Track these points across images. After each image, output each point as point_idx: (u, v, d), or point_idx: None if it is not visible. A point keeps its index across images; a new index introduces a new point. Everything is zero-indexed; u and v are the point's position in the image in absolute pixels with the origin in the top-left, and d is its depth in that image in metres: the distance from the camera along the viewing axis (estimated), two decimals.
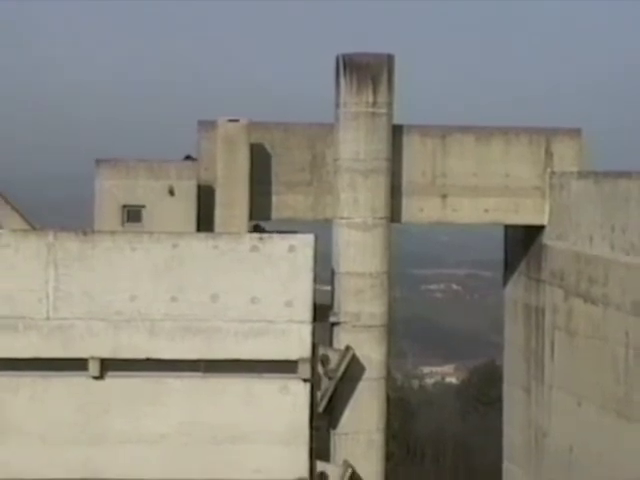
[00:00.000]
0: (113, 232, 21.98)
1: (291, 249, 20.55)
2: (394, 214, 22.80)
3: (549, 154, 22.77)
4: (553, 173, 22.63)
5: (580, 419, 20.75)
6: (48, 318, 20.25)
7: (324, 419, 21.91)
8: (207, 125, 22.76)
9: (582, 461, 20.81)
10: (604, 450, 19.54)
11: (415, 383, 73.04)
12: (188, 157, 24.78)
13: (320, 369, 21.28)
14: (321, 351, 21.35)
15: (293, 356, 20.41)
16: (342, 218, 22.36)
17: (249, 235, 21.39)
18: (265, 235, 21.33)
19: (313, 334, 20.63)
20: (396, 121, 22.43)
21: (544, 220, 22.77)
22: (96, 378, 20.39)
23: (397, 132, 22.51)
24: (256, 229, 23.02)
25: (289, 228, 22.44)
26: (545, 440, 22.71)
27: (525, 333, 23.91)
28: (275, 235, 21.78)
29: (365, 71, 21.77)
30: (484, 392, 44.90)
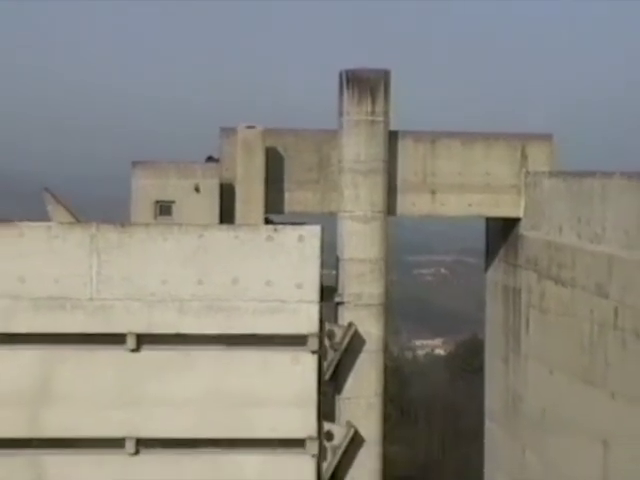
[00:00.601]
0: (147, 224, 22.05)
1: (301, 239, 20.65)
2: (390, 208, 22.75)
3: (524, 156, 22.87)
4: (528, 173, 22.73)
5: (551, 385, 20.81)
6: (91, 299, 20.45)
7: (330, 385, 21.97)
8: (228, 131, 22.76)
9: (553, 421, 20.89)
10: (572, 411, 19.60)
11: (409, 354, 72.95)
12: (210, 157, 24.62)
13: (326, 342, 21.41)
14: (327, 327, 21.47)
15: (303, 331, 20.54)
16: (345, 212, 22.38)
17: (265, 226, 21.50)
18: (279, 226, 21.42)
19: (320, 312, 20.72)
20: (392, 128, 22.43)
21: (520, 213, 22.86)
22: (133, 351, 20.56)
23: (393, 137, 22.51)
24: (266, 222, 23.08)
25: (299, 220, 22.53)
26: (521, 404, 22.81)
27: (504, 311, 24.00)
28: (287, 226, 21.92)
29: (365, 84, 21.83)
30: (468, 362, 44.85)
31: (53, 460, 20.59)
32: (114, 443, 20.61)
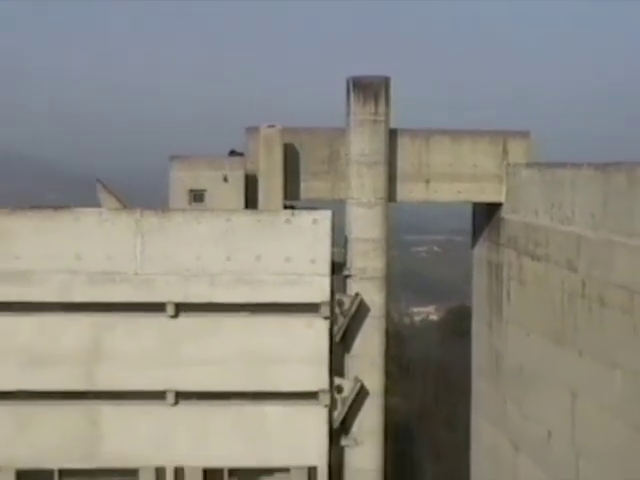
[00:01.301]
0: (183, 210, 22.11)
1: (314, 222, 20.81)
2: (391, 195, 22.63)
3: (505, 150, 22.84)
4: (508, 164, 22.69)
5: (528, 346, 20.86)
6: (137, 273, 20.63)
7: (340, 346, 21.97)
8: (252, 130, 22.71)
9: (529, 376, 20.91)
10: (545, 367, 19.64)
11: (407, 320, 72.78)
12: (233, 151, 24.42)
13: (337, 310, 21.47)
14: (337, 296, 21.52)
15: (316, 300, 20.68)
16: (352, 198, 22.24)
17: (284, 211, 21.47)
18: (295, 211, 21.55)
19: (331, 284, 20.92)
20: (392, 126, 22.36)
21: (502, 199, 22.77)
22: (172, 317, 20.75)
23: (392, 134, 22.40)
24: (290, 207, 22.97)
25: (313, 206, 22.51)
26: (502, 361, 22.84)
27: (488, 282, 24.00)
28: (303, 211, 21.95)
29: (368, 89, 21.84)
30: (458, 326, 44.67)
31: (105, 410, 20.79)
32: (156, 395, 20.79)
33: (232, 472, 21.10)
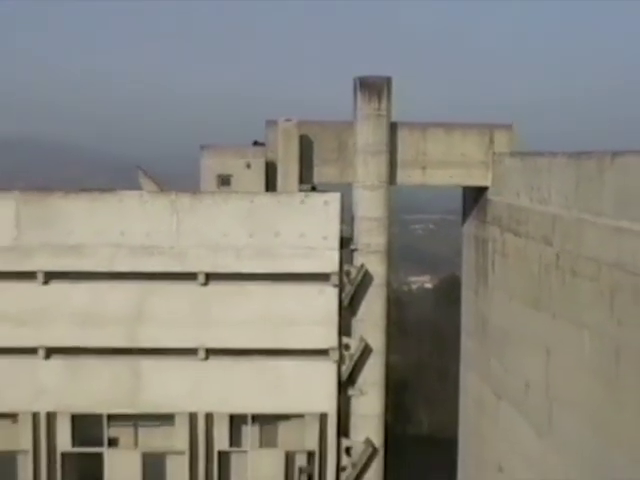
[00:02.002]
0: (212, 192, 22.08)
1: (325, 203, 20.86)
2: (391, 179, 22.44)
3: (491, 140, 22.69)
4: (494, 153, 22.57)
5: (510, 310, 20.83)
6: (172, 247, 20.70)
7: (347, 310, 21.87)
8: (271, 123, 22.47)
9: (510, 336, 20.90)
10: (524, 328, 19.61)
11: (405, 287, 72.77)
12: (256, 141, 24.17)
13: (345, 279, 21.43)
14: (345, 267, 21.48)
15: (327, 270, 20.76)
16: (358, 182, 22.10)
17: (299, 193, 21.43)
18: (309, 193, 21.57)
19: (340, 256, 20.95)
20: (393, 120, 22.22)
21: (488, 183, 22.64)
22: (202, 285, 20.83)
23: (393, 127, 22.25)
24: (312, 189, 22.94)
25: (325, 189, 22.47)
26: (487, 324, 22.81)
27: (475, 255, 23.93)
28: (315, 193, 21.96)
29: (373, 87, 21.72)
30: (449, 293, 44.63)
31: (146, 364, 20.94)
32: (189, 352, 20.94)
33: (254, 417, 21.29)
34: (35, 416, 20.93)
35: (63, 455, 21.12)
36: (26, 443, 21.03)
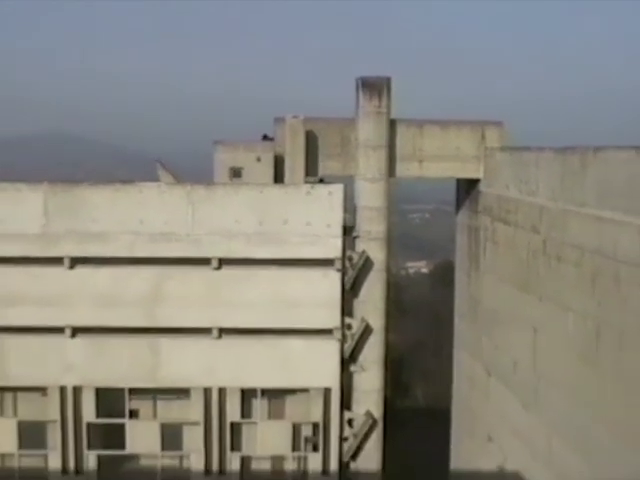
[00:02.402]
0: (225, 183, 22.12)
1: (330, 193, 20.79)
2: (391, 172, 22.38)
3: (483, 136, 22.63)
4: (485, 148, 22.51)
5: (500, 293, 20.82)
6: (188, 234, 20.64)
7: (349, 293, 21.83)
8: (279, 120, 22.49)
9: (500, 316, 20.92)
10: (513, 309, 19.64)
11: (403, 272, 72.61)
12: (265, 135, 24.23)
13: (347, 264, 21.40)
14: (348, 253, 21.42)
15: (331, 256, 20.72)
16: (360, 175, 22.06)
17: (305, 185, 21.41)
18: (314, 185, 21.46)
19: (343, 243, 20.90)
20: (392, 116, 22.15)
21: (480, 175, 22.57)
22: (216, 269, 20.79)
23: (392, 123, 22.18)
24: (321, 181, 22.83)
25: (330, 181, 22.38)
26: (478, 305, 22.79)
27: (468, 242, 23.85)
28: (320, 185, 21.81)
29: (373, 87, 21.64)
30: (444, 277, 44.45)
31: (164, 342, 20.97)
32: (204, 331, 20.94)
33: (263, 392, 21.33)
34: (62, 390, 21.04)
35: (88, 425, 21.22)
36: (54, 414, 21.15)
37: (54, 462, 21.27)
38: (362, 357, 22.19)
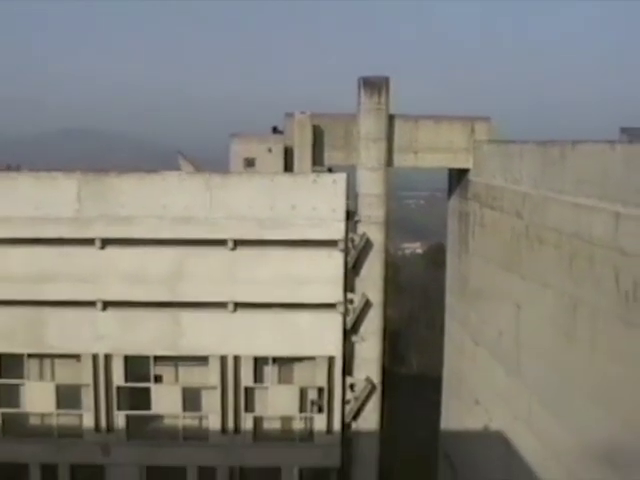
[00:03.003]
0: (239, 172, 22.12)
1: (334, 181, 20.73)
2: (389, 162, 22.26)
3: (473, 130, 22.51)
4: (475, 140, 22.40)
5: (486, 271, 20.71)
6: (207, 218, 20.58)
7: (351, 271, 21.75)
8: (289, 115, 22.42)
9: (486, 293, 20.86)
10: (498, 287, 19.57)
11: (400, 252, 72.33)
12: (275, 127, 24.15)
13: (350, 245, 21.33)
14: (350, 235, 21.36)
15: (335, 238, 20.68)
16: (361, 164, 21.95)
17: (312, 174, 21.36)
18: (320, 174, 21.39)
19: (346, 226, 20.86)
20: (390, 112, 22.06)
21: (470, 165, 22.46)
22: (231, 249, 20.73)
23: (391, 118, 22.09)
24: (329, 170, 22.68)
25: (334, 170, 22.35)
26: (467, 283, 22.71)
27: (458, 226, 23.73)
28: (325, 174, 21.72)
29: (374, 86, 21.55)
30: (436, 258, 44.33)
31: (185, 315, 21.02)
32: (220, 305, 20.96)
33: (274, 359, 21.42)
34: (95, 357, 21.18)
35: (118, 388, 21.37)
36: (87, 378, 21.30)
37: (88, 421, 21.48)
38: (362, 329, 22.22)
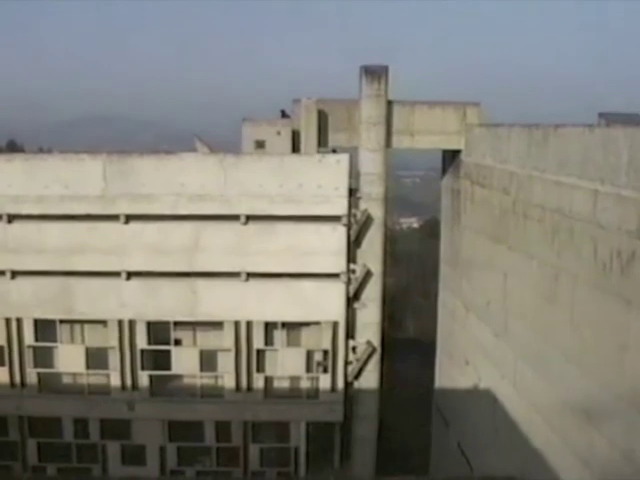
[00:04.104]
0: (251, 153, 22.11)
1: (337, 161, 20.79)
2: (388, 143, 22.14)
3: (464, 114, 22.39)
4: (466, 124, 22.29)
5: (476, 243, 20.63)
6: (221, 195, 20.65)
7: (354, 244, 21.74)
8: (296, 100, 22.38)
9: (476, 263, 20.79)
10: (487, 257, 19.50)
11: (397, 226, 71.90)
12: (283, 111, 24.02)
13: (352, 220, 21.35)
14: (352, 211, 21.34)
15: (339, 213, 20.77)
16: (363, 146, 21.84)
17: (317, 154, 21.36)
18: (325, 154, 21.44)
19: (348, 203, 20.93)
20: (389, 98, 21.91)
21: (462, 147, 22.34)
22: (243, 224, 20.84)
23: (389, 104, 21.94)
24: (333, 151, 22.69)
25: (338, 151, 22.43)
26: (459, 254, 22.70)
27: (451, 202, 23.62)
28: (330, 154, 21.83)
29: (374, 74, 21.46)
30: (431, 231, 43.84)
31: (201, 284, 21.20)
32: (234, 275, 21.12)
33: (283, 324, 21.57)
34: (120, 322, 21.42)
35: (141, 351, 21.65)
36: (114, 342, 21.57)
37: (115, 380, 21.80)
38: (364, 296, 22.31)
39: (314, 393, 21.95)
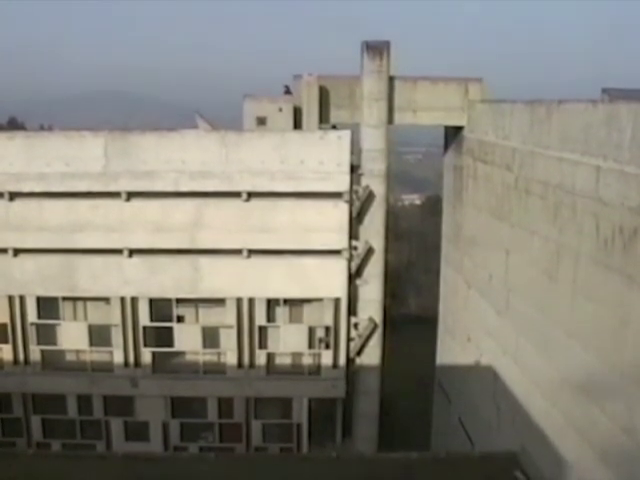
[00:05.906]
0: (252, 130, 22.05)
1: (339, 138, 20.72)
2: (390, 120, 22.04)
3: (467, 90, 22.27)
4: (469, 100, 22.17)
5: (478, 220, 20.61)
6: (223, 172, 20.63)
7: (356, 220, 21.76)
8: (298, 77, 22.29)
9: (478, 240, 20.78)
10: (489, 234, 19.51)
11: (399, 203, 71.58)
12: (287, 87, 23.98)
13: (354, 196, 21.31)
14: (354, 188, 21.30)
15: (340, 190, 20.75)
16: (364, 122, 21.73)
17: (319, 131, 21.32)
18: (327, 130, 21.38)
19: (350, 179, 20.88)
20: (391, 74, 21.79)
21: (464, 123, 22.26)
22: (245, 201, 20.78)
23: (391, 79, 21.83)
24: (333, 127, 22.64)
25: (339, 128, 22.32)
26: (461, 230, 22.68)
27: (453, 179, 23.56)
28: (331, 130, 21.81)
29: (376, 49, 21.30)
30: (433, 208, 43.51)
31: (203, 261, 21.25)
32: (236, 252, 21.16)
33: (285, 301, 21.66)
34: (122, 300, 21.51)
35: (144, 328, 21.74)
36: (117, 319, 21.68)
37: (118, 357, 21.94)
38: (365, 273, 22.35)
39: (316, 369, 22.06)
